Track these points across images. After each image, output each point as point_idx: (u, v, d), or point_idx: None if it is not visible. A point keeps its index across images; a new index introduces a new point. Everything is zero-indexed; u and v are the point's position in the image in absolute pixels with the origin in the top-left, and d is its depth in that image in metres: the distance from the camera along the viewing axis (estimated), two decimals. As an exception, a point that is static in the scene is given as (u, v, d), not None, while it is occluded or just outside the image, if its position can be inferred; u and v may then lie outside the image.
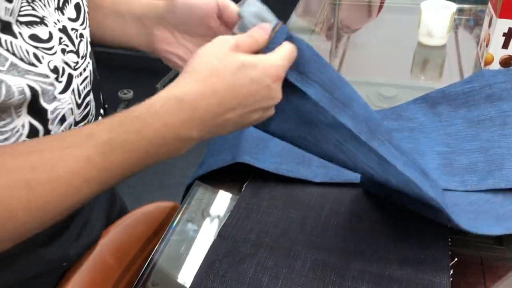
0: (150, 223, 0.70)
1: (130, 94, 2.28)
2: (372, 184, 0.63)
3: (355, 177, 0.65)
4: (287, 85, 0.48)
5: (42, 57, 0.46)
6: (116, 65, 2.72)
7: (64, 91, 0.48)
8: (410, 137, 0.73)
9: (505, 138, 0.67)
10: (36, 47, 0.45)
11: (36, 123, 0.46)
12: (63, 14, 0.50)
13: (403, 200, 0.59)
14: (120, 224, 0.66)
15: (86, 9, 0.55)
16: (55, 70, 0.47)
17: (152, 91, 0.42)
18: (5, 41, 0.42)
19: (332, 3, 1.30)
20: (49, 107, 0.47)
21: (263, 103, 0.46)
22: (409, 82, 0.97)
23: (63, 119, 0.49)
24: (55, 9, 0.49)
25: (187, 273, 0.56)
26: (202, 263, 0.55)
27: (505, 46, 0.87)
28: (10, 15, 0.42)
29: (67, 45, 0.50)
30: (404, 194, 0.52)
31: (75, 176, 0.37)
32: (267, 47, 0.47)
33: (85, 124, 0.54)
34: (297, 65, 0.48)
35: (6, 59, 0.42)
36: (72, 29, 0.51)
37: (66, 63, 0.49)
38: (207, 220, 0.64)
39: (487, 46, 0.90)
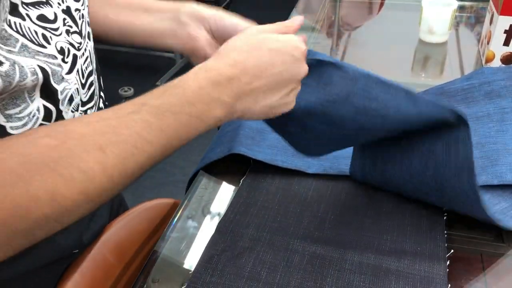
0: (150, 220, 0.70)
1: (130, 91, 2.28)
2: (363, 172, 0.64)
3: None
4: (313, 64, 0.50)
5: (50, 37, 0.47)
6: (117, 63, 2.72)
7: (70, 71, 0.49)
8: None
9: (501, 134, 0.67)
10: (44, 28, 0.46)
11: (49, 105, 0.48)
12: None
13: (398, 186, 0.61)
14: (120, 221, 0.66)
15: None
16: (61, 51, 0.48)
17: (153, 89, 0.44)
18: (14, 22, 0.43)
19: (333, 0, 1.30)
20: (58, 87, 0.48)
21: (287, 74, 0.48)
22: (410, 79, 0.97)
23: (71, 99, 0.51)
24: None
25: (187, 270, 0.56)
26: (200, 258, 0.56)
27: (506, 43, 0.87)
28: None
29: (71, 26, 0.50)
30: (405, 171, 0.53)
31: (139, 138, 0.40)
32: None
33: (92, 105, 0.56)
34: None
35: (17, 40, 0.43)
36: (76, 9, 0.52)
37: (71, 44, 0.50)
38: (208, 217, 0.64)
39: (488, 43, 0.90)
